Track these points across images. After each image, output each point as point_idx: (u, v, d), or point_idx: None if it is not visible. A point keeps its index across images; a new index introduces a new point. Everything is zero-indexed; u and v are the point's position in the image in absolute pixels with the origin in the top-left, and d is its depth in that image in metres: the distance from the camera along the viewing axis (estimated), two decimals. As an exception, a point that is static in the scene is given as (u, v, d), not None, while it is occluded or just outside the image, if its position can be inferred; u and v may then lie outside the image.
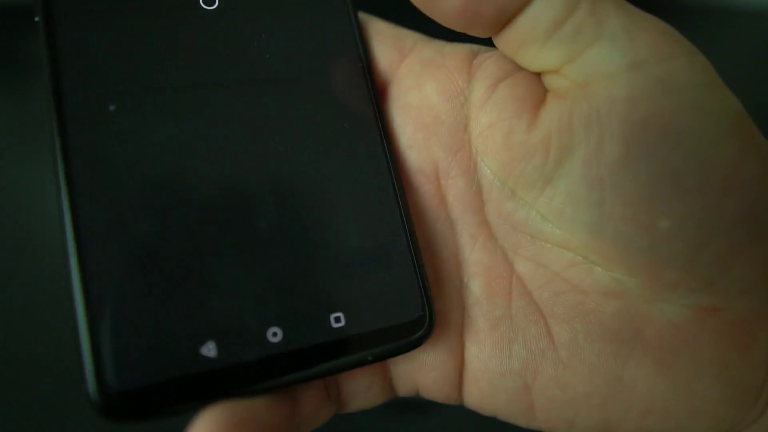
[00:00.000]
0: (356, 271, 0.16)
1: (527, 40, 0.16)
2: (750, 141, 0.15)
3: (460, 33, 0.17)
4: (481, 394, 0.17)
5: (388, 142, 0.18)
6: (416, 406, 0.36)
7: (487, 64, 0.18)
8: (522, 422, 0.17)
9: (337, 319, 0.16)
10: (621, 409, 0.16)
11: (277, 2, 0.18)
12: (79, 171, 0.14)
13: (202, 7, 0.17)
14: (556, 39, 0.16)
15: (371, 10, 0.20)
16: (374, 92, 0.18)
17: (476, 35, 0.17)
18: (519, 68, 0.18)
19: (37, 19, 0.15)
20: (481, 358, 0.17)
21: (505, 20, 0.16)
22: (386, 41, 0.19)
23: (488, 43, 0.18)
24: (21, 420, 0.36)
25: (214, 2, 0.18)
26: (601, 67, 0.15)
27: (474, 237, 0.18)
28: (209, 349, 0.14)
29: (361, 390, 0.17)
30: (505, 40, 0.17)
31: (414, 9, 0.17)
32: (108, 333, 0.13)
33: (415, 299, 0.17)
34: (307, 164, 0.17)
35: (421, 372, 0.17)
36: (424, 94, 0.18)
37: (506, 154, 0.17)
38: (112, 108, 0.15)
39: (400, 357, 0.17)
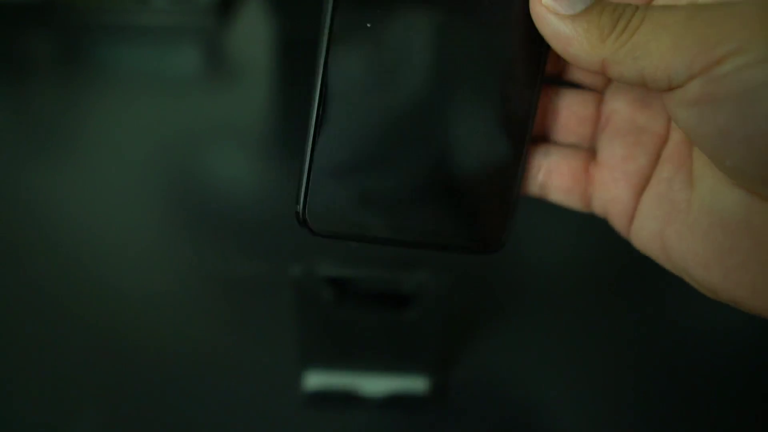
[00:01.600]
0: (468, 190, 0.21)
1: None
2: None
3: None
4: (635, 231, 0.22)
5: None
6: (416, 404, 0.36)
7: None
8: (659, 262, 0.21)
9: (442, 221, 0.21)
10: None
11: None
12: (333, 75, 0.20)
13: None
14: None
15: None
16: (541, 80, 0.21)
17: None
18: None
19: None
20: (642, 206, 0.22)
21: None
22: None
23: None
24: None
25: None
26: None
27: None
28: (371, 210, 0.21)
29: (564, 189, 0.23)
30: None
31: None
32: (316, 181, 0.20)
33: (503, 222, 0.22)
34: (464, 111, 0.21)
35: (610, 204, 0.22)
36: None
37: None
38: (368, 27, 0.20)
39: (599, 189, 0.22)
